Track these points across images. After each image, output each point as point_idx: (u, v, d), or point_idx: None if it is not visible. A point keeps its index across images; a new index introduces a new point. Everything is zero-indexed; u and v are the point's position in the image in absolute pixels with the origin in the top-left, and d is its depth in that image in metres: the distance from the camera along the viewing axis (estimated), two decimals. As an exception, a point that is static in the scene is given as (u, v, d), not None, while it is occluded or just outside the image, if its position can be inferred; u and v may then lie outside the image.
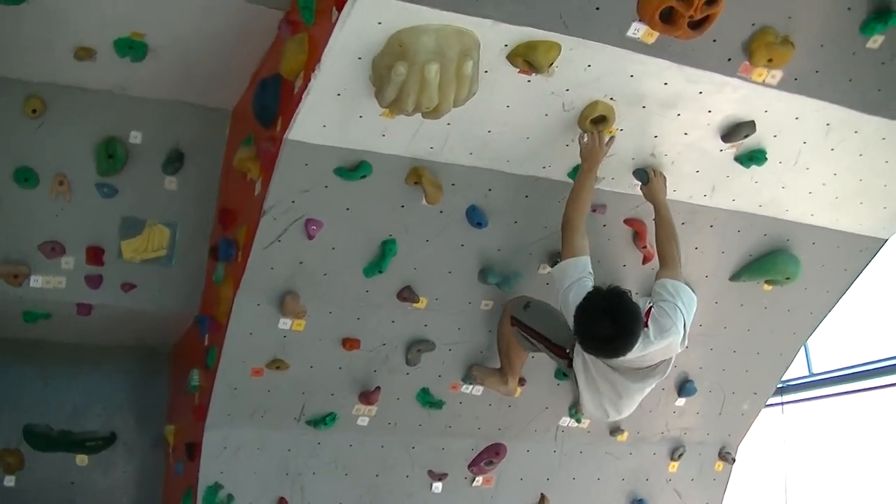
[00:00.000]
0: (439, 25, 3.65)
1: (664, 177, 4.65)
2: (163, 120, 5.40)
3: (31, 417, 6.28)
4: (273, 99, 4.40)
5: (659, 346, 4.29)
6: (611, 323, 3.97)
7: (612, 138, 4.39)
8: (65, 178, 5.27)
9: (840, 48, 4.16)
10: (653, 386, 4.62)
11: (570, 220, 4.38)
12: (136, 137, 5.37)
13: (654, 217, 4.64)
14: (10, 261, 5.25)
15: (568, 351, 4.67)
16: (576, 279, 4.22)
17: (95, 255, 5.39)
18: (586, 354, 4.44)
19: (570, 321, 4.15)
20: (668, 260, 4.49)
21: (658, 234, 4.59)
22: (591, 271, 4.28)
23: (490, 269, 4.95)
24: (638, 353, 4.22)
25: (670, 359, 4.53)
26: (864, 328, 7.65)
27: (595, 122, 4.30)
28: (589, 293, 4.09)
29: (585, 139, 4.34)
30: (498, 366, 5.23)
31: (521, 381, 5.42)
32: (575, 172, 4.58)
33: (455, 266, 4.93)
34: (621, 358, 4.23)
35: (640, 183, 4.66)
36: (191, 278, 5.58)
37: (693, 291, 4.50)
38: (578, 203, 4.38)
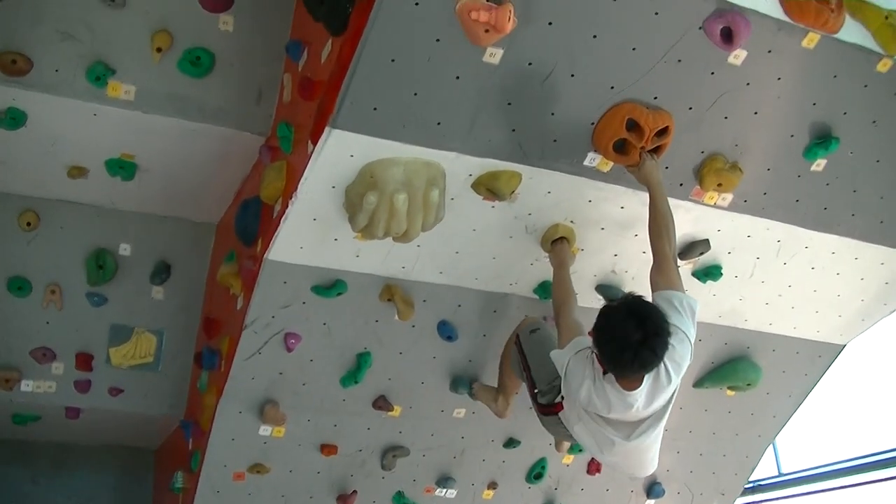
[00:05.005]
0: (408, 158, 3.84)
1: (655, 160, 4.01)
2: (150, 233, 5.64)
3: (20, 515, 6.37)
4: (254, 220, 4.60)
5: (671, 389, 3.73)
6: (637, 325, 3.42)
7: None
8: (57, 287, 5.47)
9: (786, 171, 4.31)
10: (658, 432, 3.92)
11: (561, 303, 4.16)
12: (125, 249, 5.61)
13: (648, 206, 4.00)
14: (3, 366, 5.41)
15: (538, 391, 4.25)
16: (580, 348, 3.79)
17: (85, 360, 5.56)
18: (582, 412, 3.86)
19: (570, 382, 3.75)
20: (660, 261, 3.87)
21: (651, 226, 3.95)
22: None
23: (461, 379, 5.08)
24: (651, 402, 3.70)
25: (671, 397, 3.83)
26: (834, 427, 7.71)
27: (556, 242, 4.44)
28: (605, 306, 3.60)
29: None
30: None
31: (493, 485, 5.52)
32: (540, 289, 4.77)
33: (427, 377, 5.07)
34: (627, 400, 3.64)
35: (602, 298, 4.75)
36: (176, 384, 5.74)
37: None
38: (563, 289, 4.21)
